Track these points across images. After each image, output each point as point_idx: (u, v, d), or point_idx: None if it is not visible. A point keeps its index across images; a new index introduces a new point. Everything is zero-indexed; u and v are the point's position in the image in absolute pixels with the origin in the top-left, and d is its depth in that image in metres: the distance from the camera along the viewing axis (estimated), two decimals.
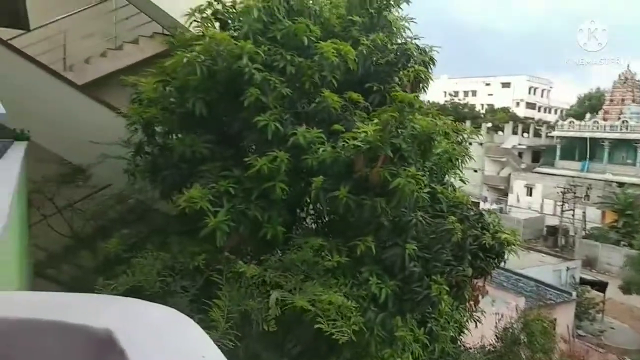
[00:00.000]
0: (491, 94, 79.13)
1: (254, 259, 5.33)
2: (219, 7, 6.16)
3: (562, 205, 41.87)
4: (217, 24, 6.19)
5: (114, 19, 9.60)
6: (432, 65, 6.46)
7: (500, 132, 59.43)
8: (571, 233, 41.64)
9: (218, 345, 1.16)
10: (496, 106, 72.37)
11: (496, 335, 8.75)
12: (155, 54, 8.28)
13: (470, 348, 7.92)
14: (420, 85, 6.16)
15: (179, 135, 5.74)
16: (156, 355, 1.09)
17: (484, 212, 7.27)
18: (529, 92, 79.80)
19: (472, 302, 7.08)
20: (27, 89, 6.89)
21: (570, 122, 53.58)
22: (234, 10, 6.17)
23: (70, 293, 1.50)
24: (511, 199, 51.48)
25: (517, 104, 77.11)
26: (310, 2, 6.17)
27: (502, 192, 53.64)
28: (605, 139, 48.80)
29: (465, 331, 7.26)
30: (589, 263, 34.92)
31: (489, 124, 60.06)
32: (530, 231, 41.59)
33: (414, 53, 6.38)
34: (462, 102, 71.16)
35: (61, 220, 7.21)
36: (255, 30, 5.63)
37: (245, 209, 5.03)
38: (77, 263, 7.67)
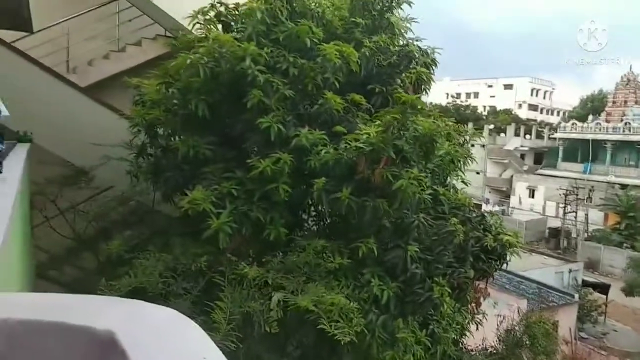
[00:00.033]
0: (493, 96, 79.13)
1: (255, 261, 5.33)
2: (222, 9, 6.18)
3: (564, 207, 41.73)
4: (219, 26, 6.21)
5: (117, 21, 9.63)
6: (434, 67, 6.47)
7: (502, 134, 59.41)
8: (573, 235, 41.50)
9: (220, 347, 1.16)
10: (498, 108, 72.41)
11: (498, 338, 8.73)
12: (157, 56, 8.29)
13: (472, 350, 7.90)
14: (422, 87, 6.16)
15: (182, 137, 5.75)
16: (158, 357, 1.09)
17: (486, 214, 7.26)
18: (531, 94, 79.77)
19: (473, 304, 7.07)
20: (30, 91, 6.91)
21: (572, 124, 53.48)
22: (237, 13, 6.18)
23: (72, 294, 1.50)
24: (513, 200, 51.38)
25: (520, 105, 77.07)
26: (313, 4, 6.19)
27: (504, 194, 53.56)
28: (608, 140, 48.70)
29: (467, 333, 7.24)
30: (592, 265, 34.78)
31: (491, 126, 60.04)
32: (532, 233, 41.44)
33: (416, 55, 6.38)
34: (464, 104, 71.17)
35: (63, 222, 7.23)
36: (259, 32, 5.64)
37: (247, 210, 5.03)
38: (79, 265, 7.69)
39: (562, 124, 56.39)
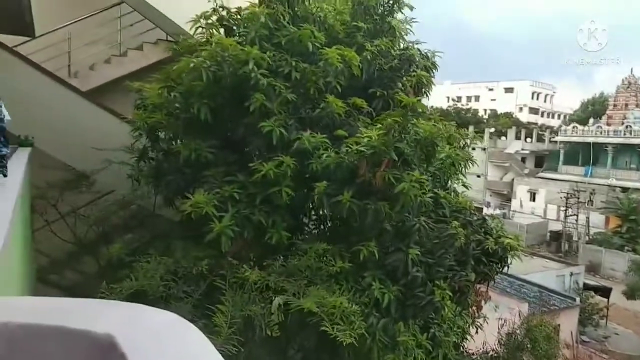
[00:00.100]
0: (494, 99, 79.06)
1: (257, 264, 5.33)
2: (224, 13, 6.19)
3: (565, 210, 41.69)
4: (222, 30, 6.22)
5: (119, 25, 9.66)
6: (434, 70, 6.48)
7: (503, 137, 59.39)
8: (575, 238, 41.42)
9: (221, 351, 1.16)
10: (499, 111, 72.34)
11: (499, 341, 8.72)
12: (159, 61, 8.32)
13: (473, 354, 7.89)
14: (423, 90, 6.18)
15: (184, 140, 5.76)
16: None
17: (487, 217, 7.26)
18: (532, 97, 79.74)
19: (475, 308, 7.06)
20: (31, 95, 6.92)
21: (573, 127, 53.47)
22: (239, 17, 6.20)
23: (72, 298, 1.50)
24: (514, 204, 51.30)
25: (520, 109, 77.02)
26: (315, 8, 6.20)
27: (505, 197, 53.49)
28: (609, 144, 48.67)
29: (468, 337, 7.23)
30: (593, 268, 34.70)
31: (492, 129, 60.00)
32: (533, 236, 41.38)
33: (417, 58, 6.40)
34: (465, 107, 71.16)
35: (64, 226, 7.23)
36: (261, 36, 5.66)
37: (249, 214, 5.03)
38: (79, 269, 7.69)
39: (563, 127, 56.38)
